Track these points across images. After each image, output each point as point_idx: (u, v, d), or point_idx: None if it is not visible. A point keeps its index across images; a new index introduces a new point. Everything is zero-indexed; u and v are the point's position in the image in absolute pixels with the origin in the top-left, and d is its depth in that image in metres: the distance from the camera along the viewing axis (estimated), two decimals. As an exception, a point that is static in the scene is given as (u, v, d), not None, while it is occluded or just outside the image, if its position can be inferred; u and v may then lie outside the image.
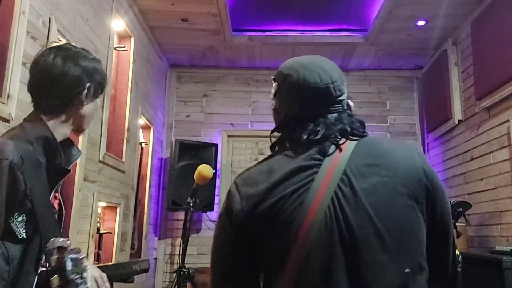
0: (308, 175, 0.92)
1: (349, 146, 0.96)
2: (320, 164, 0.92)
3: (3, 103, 1.87)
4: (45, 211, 1.15)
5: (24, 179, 1.12)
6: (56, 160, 1.25)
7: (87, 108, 1.32)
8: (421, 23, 3.88)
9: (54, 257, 0.97)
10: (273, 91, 1.07)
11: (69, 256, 0.97)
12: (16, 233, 1.14)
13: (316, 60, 1.05)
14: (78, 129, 1.35)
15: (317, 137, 0.96)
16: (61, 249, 0.97)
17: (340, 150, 0.95)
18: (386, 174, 0.91)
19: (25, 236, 1.16)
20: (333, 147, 0.95)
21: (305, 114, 1.00)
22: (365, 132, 1.01)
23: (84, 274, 0.98)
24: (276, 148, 1.04)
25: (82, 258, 0.99)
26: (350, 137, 0.98)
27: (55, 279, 0.97)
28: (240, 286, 0.97)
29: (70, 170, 1.31)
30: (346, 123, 0.99)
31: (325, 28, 4.31)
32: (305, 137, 0.96)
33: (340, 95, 1.02)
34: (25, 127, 1.24)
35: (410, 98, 4.99)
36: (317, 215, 0.87)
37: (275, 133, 1.06)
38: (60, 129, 1.28)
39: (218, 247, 0.99)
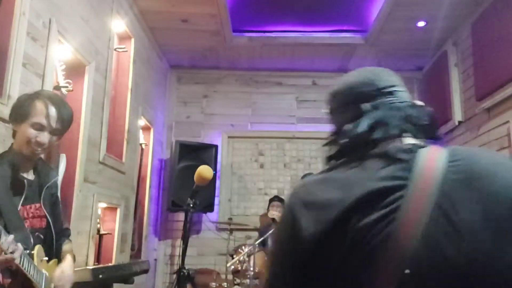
0: (393, 200, 0.76)
1: (438, 159, 0.81)
2: (406, 185, 0.77)
3: (3, 104, 1.87)
4: (6, 204, 1.43)
5: None
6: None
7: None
8: (421, 24, 3.88)
9: None
10: (327, 115, 1.01)
11: None
12: None
13: (359, 70, 1.05)
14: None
15: (386, 132, 0.87)
16: None
17: (428, 164, 0.80)
18: (490, 204, 0.74)
19: None
20: (417, 157, 0.82)
21: (361, 111, 0.91)
22: (437, 127, 0.93)
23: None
24: (337, 159, 0.91)
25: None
26: (420, 132, 0.90)
27: None
28: None
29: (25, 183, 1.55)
30: (409, 111, 0.90)
31: (325, 29, 4.31)
32: (371, 132, 0.87)
33: (394, 85, 0.96)
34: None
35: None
36: (406, 252, 0.72)
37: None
38: None
39: (277, 270, 0.87)
